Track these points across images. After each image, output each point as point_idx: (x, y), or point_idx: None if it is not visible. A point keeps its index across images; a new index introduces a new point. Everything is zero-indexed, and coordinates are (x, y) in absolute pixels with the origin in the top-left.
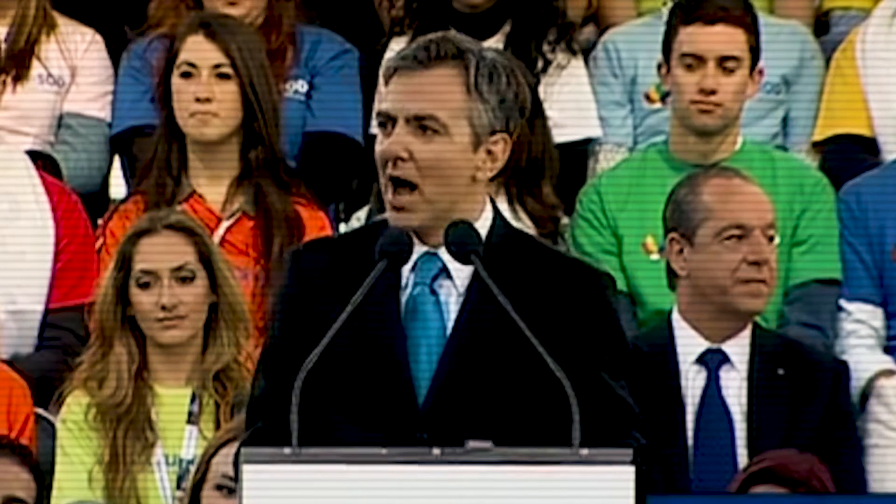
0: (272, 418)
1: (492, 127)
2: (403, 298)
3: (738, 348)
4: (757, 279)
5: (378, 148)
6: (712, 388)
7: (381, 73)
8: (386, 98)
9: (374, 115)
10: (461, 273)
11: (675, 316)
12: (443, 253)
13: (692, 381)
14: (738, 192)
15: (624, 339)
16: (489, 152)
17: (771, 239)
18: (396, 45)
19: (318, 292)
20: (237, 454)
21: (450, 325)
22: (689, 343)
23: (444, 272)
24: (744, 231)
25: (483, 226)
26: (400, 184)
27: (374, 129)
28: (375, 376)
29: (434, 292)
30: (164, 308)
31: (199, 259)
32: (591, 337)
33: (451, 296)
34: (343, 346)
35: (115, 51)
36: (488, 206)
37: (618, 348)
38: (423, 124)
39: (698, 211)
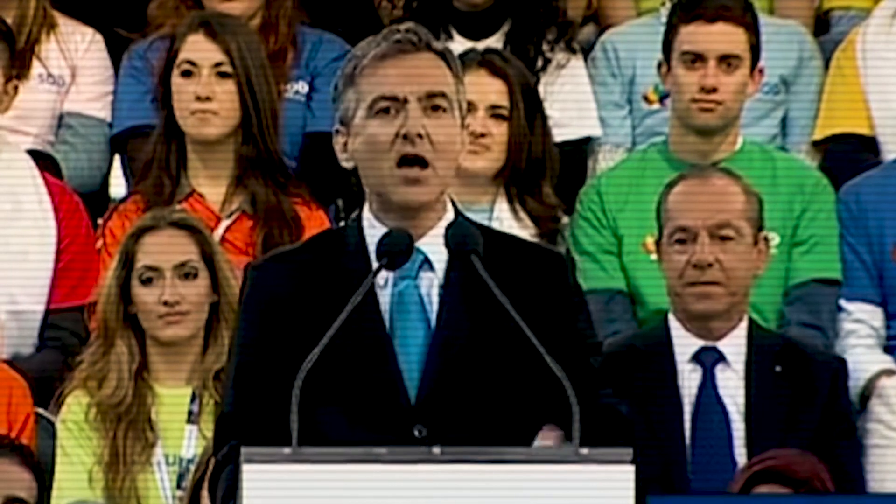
0: (246, 434)
1: (466, 110)
2: (386, 295)
3: (734, 346)
4: (701, 281)
5: (382, 129)
6: (708, 386)
7: (354, 64)
8: (383, 82)
9: (349, 104)
10: (441, 264)
11: (672, 315)
12: (423, 245)
13: (688, 380)
14: (697, 192)
15: (589, 314)
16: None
17: (723, 238)
18: None
19: (284, 303)
20: (224, 463)
21: (433, 316)
22: (684, 341)
23: (427, 264)
24: (686, 234)
25: (448, 218)
26: (415, 161)
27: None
28: (365, 377)
29: (417, 285)
30: (166, 304)
31: (201, 257)
32: (563, 314)
33: (433, 287)
34: (329, 350)
35: (115, 50)
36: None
37: (586, 321)
38: (435, 103)
39: (662, 213)
